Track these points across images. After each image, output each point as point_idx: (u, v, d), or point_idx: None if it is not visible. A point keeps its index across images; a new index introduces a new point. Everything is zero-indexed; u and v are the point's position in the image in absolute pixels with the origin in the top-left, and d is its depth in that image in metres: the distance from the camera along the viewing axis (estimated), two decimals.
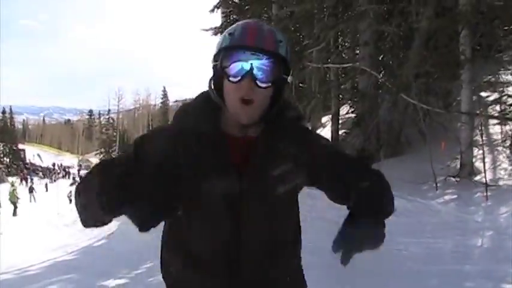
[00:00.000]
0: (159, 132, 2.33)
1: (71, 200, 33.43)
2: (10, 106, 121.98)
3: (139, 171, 1.85)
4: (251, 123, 2.04)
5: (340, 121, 21.31)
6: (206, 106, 2.11)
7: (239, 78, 1.95)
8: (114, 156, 2.54)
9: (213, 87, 2.09)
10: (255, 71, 1.93)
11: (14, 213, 32.95)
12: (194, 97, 2.22)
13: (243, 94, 1.95)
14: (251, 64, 1.93)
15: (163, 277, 2.32)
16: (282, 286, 2.21)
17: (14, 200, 34.05)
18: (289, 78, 2.06)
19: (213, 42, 2.75)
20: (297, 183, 2.15)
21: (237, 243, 2.05)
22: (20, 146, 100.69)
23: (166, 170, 1.87)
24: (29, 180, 64.24)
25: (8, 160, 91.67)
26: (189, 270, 2.14)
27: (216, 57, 2.04)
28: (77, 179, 62.03)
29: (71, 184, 48.79)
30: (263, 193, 2.04)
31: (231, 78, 1.96)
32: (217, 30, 25.61)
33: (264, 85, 1.95)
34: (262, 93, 1.98)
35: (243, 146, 2.08)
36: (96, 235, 17.03)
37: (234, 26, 2.04)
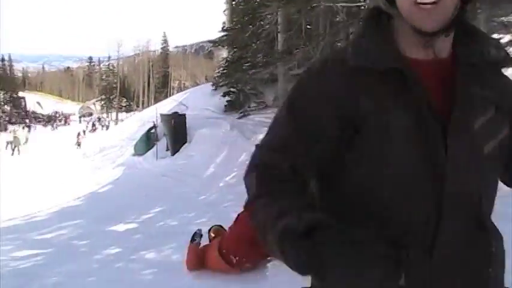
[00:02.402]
0: (323, 79, 1.60)
1: (79, 144, 33.83)
2: (9, 54, 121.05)
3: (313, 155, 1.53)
4: (437, 31, 1.50)
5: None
6: (377, 33, 1.60)
7: None
8: (265, 149, 1.65)
9: None
10: None
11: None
12: (359, 28, 1.72)
13: None
14: None
15: None
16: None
17: (16, 143, 36.28)
18: None
19: None
20: (501, 139, 1.62)
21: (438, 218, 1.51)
22: (20, 94, 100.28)
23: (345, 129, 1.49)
24: (32, 128, 64.31)
25: (8, 108, 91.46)
26: None
27: None
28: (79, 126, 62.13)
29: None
30: (472, 152, 1.53)
31: None
32: None
33: None
34: None
35: (435, 73, 1.56)
36: (101, 181, 16.91)
37: None
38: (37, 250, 9.01)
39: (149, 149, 18.12)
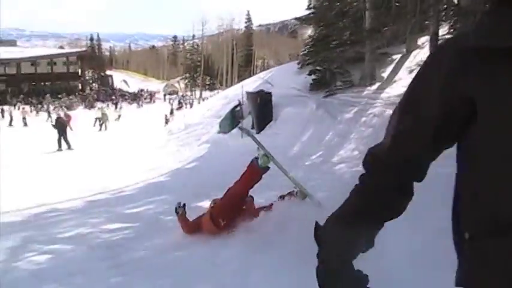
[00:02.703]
0: (437, 64, 1.43)
1: (167, 121, 34.50)
2: (97, 33, 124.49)
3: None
4: None
5: (439, 42, 20.18)
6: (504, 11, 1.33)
7: None
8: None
9: None
10: None
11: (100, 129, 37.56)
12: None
13: None
14: None
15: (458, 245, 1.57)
16: None
17: (104, 119, 37.89)
18: None
19: None
20: None
21: None
22: (108, 72, 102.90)
23: None
24: (118, 105, 65.94)
25: (96, 86, 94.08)
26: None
27: None
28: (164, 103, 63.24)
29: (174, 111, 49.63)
30: None
31: None
32: None
33: None
34: None
35: None
36: (186, 157, 17.08)
37: None
38: (126, 224, 9.17)
39: (234, 127, 18.12)
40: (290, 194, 8.49)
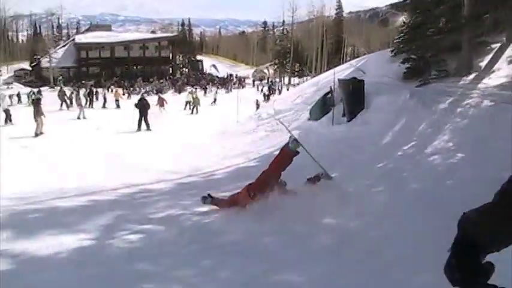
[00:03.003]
0: None
1: (258, 106, 34.83)
2: (189, 19, 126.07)
3: None
4: None
5: None
6: None
7: None
8: None
9: None
10: None
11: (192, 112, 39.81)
12: None
13: None
14: None
15: None
16: None
17: (196, 103, 39.36)
18: None
19: None
20: None
21: None
22: (198, 57, 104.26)
23: None
24: (207, 90, 66.83)
25: (186, 71, 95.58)
26: None
27: None
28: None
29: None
30: None
31: None
32: None
33: None
34: None
35: None
36: (276, 143, 17.01)
37: None
38: (216, 207, 9.23)
39: (325, 114, 17.91)
40: (317, 177, 9.67)
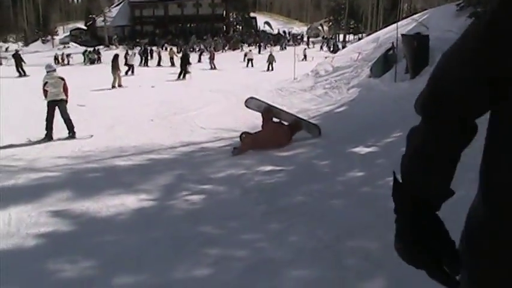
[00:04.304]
0: None
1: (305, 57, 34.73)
2: None
3: None
4: None
5: None
6: None
7: None
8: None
9: None
10: None
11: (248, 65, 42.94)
12: None
13: None
14: None
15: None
16: None
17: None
18: None
19: None
20: None
21: None
22: (252, 15, 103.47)
23: None
24: (262, 47, 66.37)
25: (240, 28, 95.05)
26: None
27: None
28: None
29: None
30: None
31: None
32: None
33: None
34: None
35: None
36: (336, 101, 16.65)
37: None
38: (279, 167, 8.94)
39: (387, 71, 17.29)
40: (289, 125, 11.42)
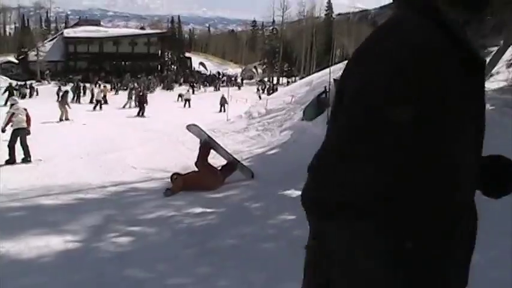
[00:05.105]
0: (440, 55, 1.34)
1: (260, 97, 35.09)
2: (178, 16, 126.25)
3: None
4: None
5: None
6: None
7: None
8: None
9: None
10: None
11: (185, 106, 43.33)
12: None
13: None
14: None
15: None
16: None
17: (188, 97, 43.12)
18: None
19: None
20: None
21: None
22: (187, 55, 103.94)
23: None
24: (195, 88, 66.46)
25: (175, 68, 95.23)
26: None
27: None
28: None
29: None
30: None
31: None
32: None
33: None
34: None
35: None
36: (269, 143, 16.70)
37: None
38: (209, 209, 8.87)
39: (319, 114, 17.48)
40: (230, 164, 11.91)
